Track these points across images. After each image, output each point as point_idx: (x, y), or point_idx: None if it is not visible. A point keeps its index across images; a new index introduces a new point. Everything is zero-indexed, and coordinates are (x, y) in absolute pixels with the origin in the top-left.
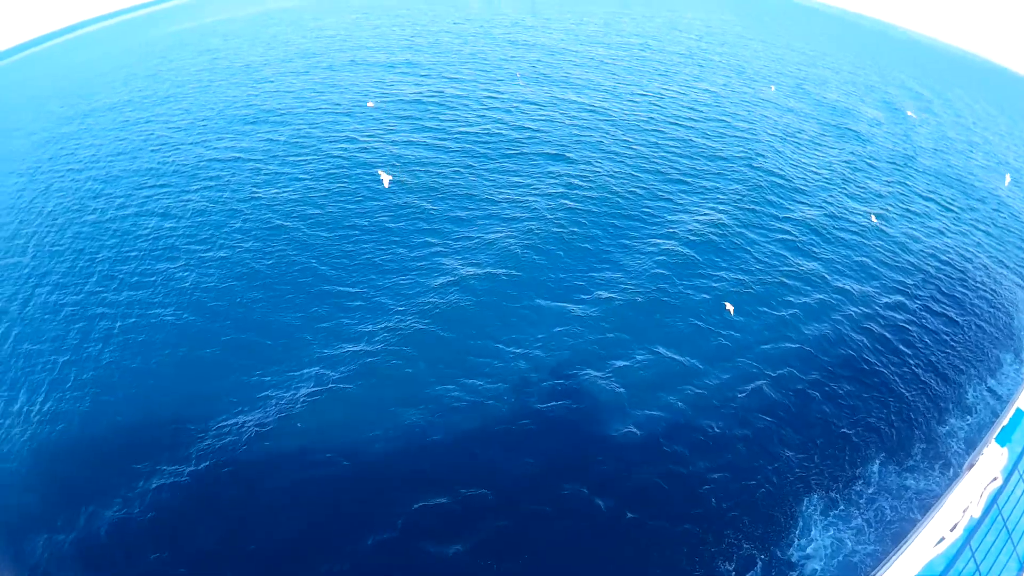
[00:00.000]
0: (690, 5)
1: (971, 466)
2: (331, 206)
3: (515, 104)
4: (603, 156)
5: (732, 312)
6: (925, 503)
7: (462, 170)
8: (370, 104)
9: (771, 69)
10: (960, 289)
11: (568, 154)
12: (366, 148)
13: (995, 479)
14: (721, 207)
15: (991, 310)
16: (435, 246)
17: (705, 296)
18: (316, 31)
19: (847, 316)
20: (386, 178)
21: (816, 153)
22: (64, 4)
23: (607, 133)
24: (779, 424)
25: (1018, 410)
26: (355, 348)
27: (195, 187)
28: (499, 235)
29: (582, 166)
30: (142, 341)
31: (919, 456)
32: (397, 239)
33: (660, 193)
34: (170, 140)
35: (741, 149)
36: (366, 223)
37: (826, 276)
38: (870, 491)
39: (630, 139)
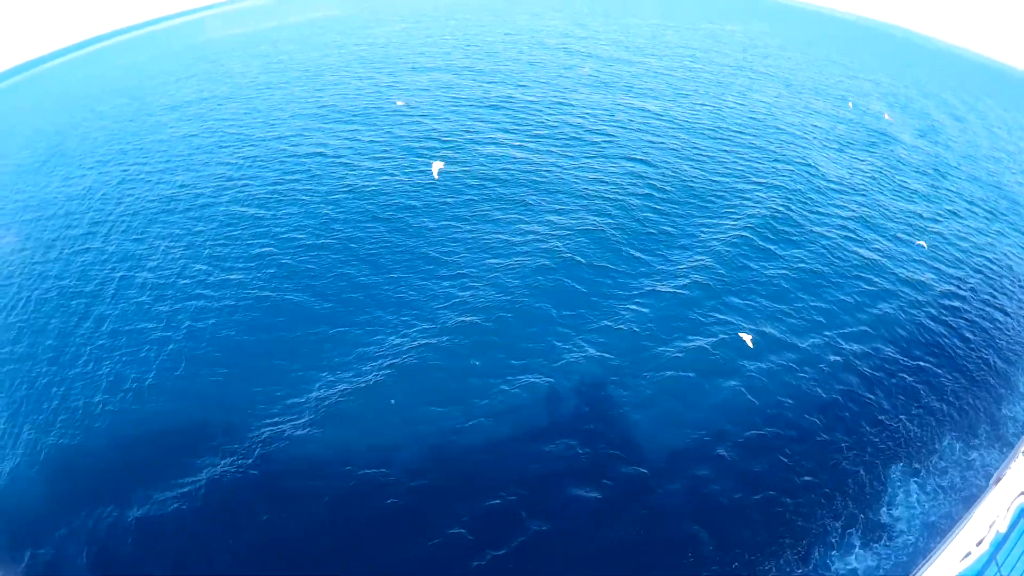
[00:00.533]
0: (727, 18)
1: (998, 480)
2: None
3: (587, 110)
4: (680, 159)
5: None
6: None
7: (552, 167)
8: (399, 103)
9: (815, 81)
10: (1001, 293)
11: (646, 158)
12: (451, 146)
13: (1022, 493)
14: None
15: None
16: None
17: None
18: (368, 39)
19: (900, 307)
20: (436, 166)
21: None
22: (98, 12)
23: (677, 138)
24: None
25: None
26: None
27: (286, 181)
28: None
29: (661, 169)
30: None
31: (983, 436)
32: (499, 231)
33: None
34: (242, 137)
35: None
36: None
37: (888, 269)
38: (943, 464)
39: (700, 144)
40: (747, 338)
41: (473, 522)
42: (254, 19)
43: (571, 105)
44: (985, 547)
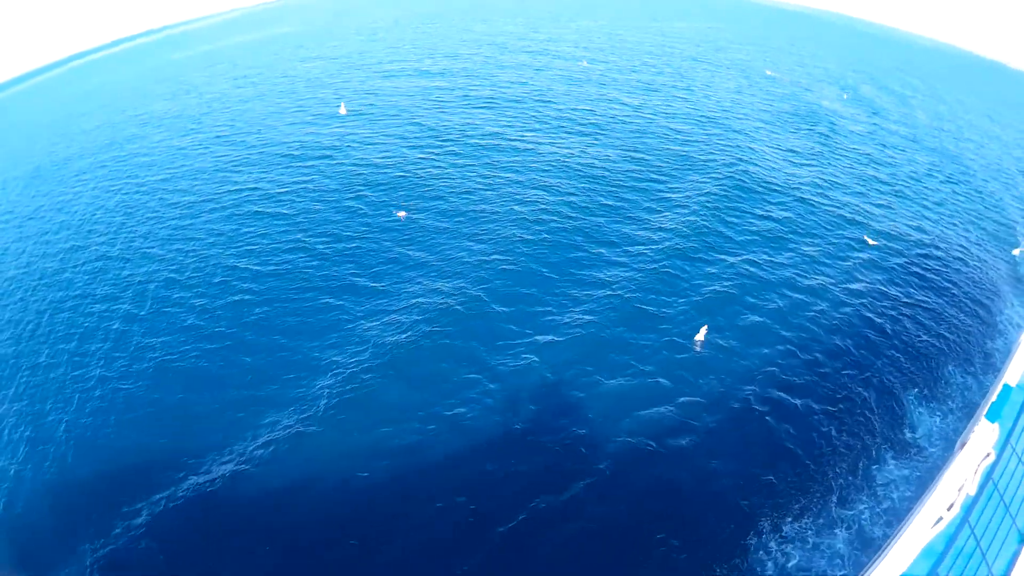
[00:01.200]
0: (674, 16)
1: (963, 444)
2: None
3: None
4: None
5: None
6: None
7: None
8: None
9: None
10: (944, 271)
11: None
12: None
13: (988, 455)
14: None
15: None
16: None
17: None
18: (330, 51)
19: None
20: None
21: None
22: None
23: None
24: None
25: (1005, 385)
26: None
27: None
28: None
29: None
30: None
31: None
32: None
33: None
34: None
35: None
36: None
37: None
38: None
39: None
40: (702, 332)
41: (450, 526)
42: (216, 36)
43: (552, 100)
44: (956, 511)
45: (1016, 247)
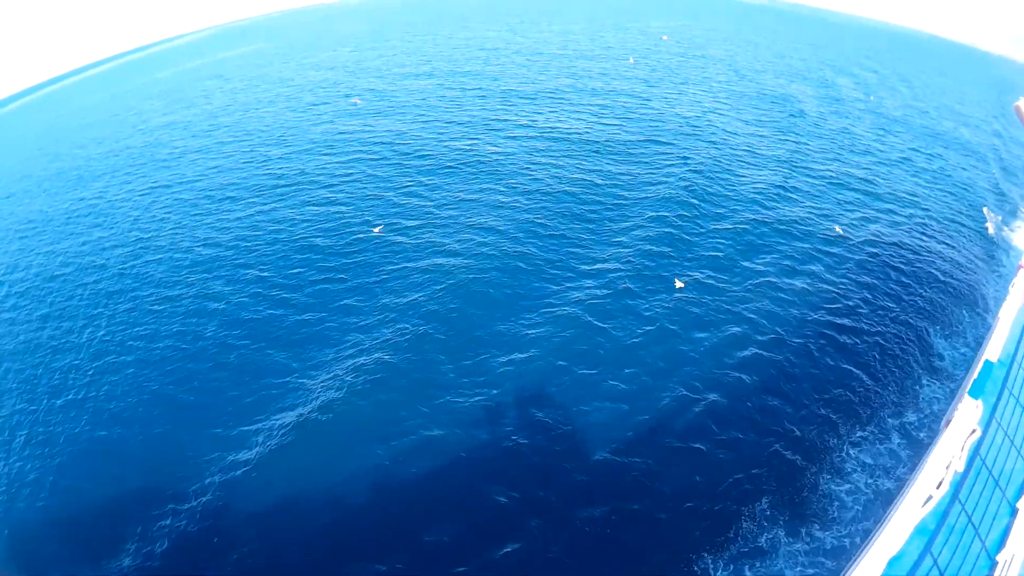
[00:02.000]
0: (655, 15)
1: (948, 422)
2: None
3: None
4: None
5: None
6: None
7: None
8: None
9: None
10: (926, 253)
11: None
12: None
13: (974, 431)
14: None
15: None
16: None
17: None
18: (309, 65)
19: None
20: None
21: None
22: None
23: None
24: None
25: (987, 362)
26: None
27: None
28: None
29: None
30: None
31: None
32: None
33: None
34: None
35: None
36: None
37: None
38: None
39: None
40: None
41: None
42: (197, 54)
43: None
44: (945, 488)
45: (987, 221)
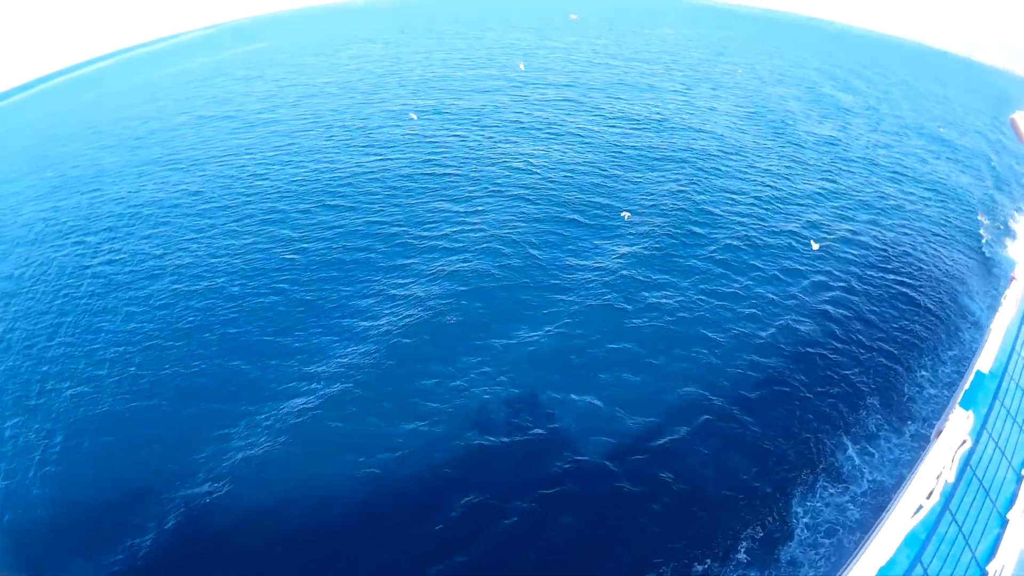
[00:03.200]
0: (668, 23)
1: (939, 433)
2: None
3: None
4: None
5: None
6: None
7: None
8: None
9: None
10: (915, 264)
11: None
12: None
13: (965, 442)
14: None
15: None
16: None
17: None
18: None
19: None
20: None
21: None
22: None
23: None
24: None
25: (978, 372)
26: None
27: None
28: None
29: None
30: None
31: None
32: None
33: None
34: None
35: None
36: None
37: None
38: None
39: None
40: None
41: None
42: (191, 54)
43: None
44: (936, 498)
45: (980, 232)
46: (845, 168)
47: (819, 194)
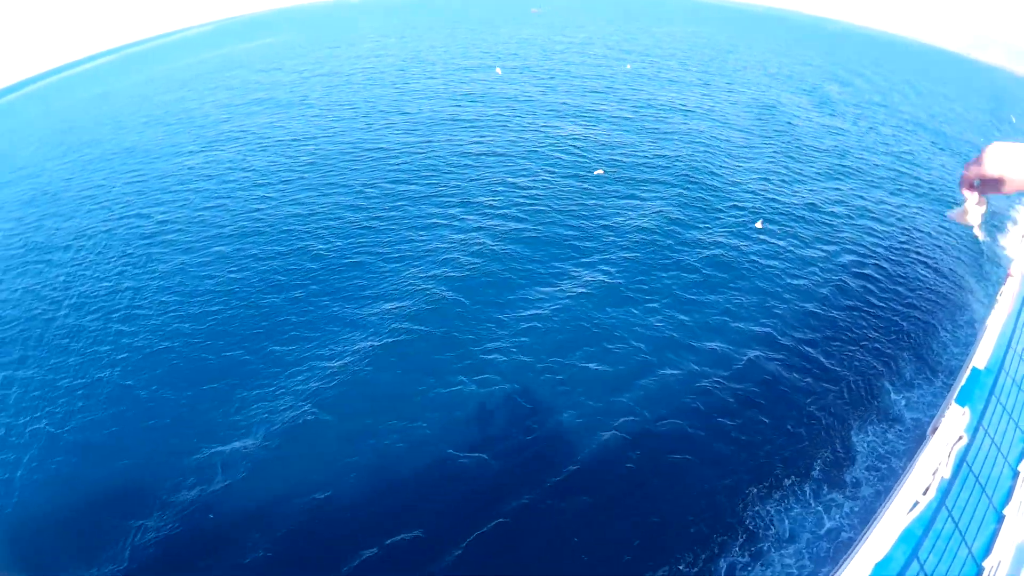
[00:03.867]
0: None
1: (935, 429)
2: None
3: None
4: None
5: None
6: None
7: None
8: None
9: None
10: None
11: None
12: None
13: (961, 438)
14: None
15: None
16: None
17: None
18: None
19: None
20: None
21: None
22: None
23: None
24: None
25: (974, 369)
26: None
27: None
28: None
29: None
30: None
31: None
32: None
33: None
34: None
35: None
36: None
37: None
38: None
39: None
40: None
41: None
42: (192, 50)
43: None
44: (932, 494)
45: (975, 228)
46: (836, 161)
47: (812, 185)
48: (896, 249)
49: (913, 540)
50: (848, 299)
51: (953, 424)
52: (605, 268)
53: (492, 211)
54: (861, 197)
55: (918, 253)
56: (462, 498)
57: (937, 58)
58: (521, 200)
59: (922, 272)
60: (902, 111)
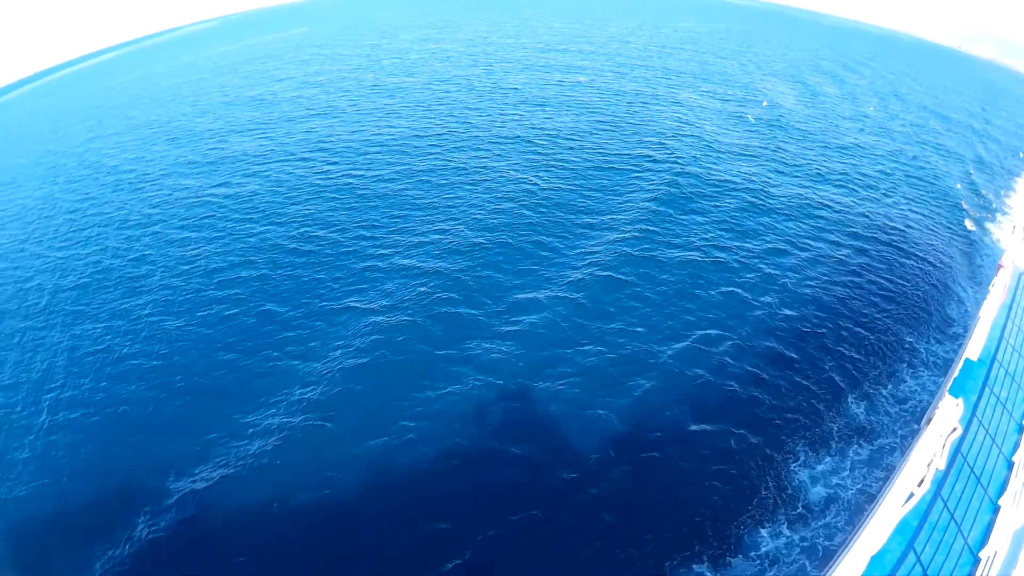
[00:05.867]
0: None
1: (929, 421)
2: None
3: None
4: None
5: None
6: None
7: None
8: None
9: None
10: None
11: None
12: None
13: (955, 429)
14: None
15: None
16: None
17: None
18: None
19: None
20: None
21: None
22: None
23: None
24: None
25: (967, 360)
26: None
27: None
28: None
29: None
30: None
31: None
32: None
33: None
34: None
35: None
36: None
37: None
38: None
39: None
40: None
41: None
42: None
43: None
44: (927, 486)
45: (967, 220)
46: (829, 153)
47: (804, 178)
48: (887, 239)
49: (909, 532)
50: (834, 288)
51: (947, 415)
52: None
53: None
54: (854, 185)
55: (909, 243)
56: (462, 497)
57: (931, 52)
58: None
59: (913, 262)
60: (897, 106)
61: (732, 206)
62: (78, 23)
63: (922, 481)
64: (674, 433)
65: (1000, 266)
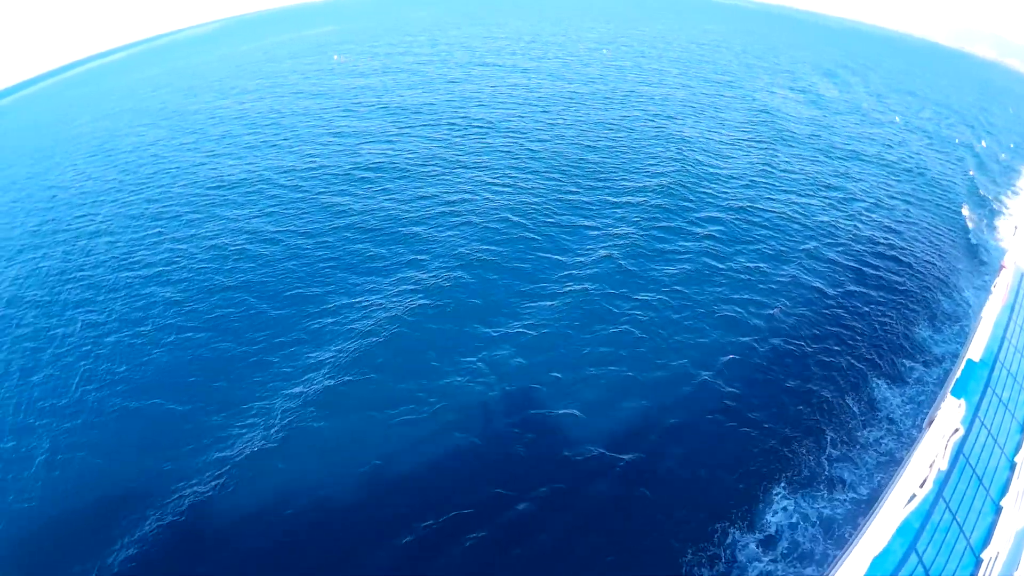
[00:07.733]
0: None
1: (931, 421)
2: None
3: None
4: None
5: None
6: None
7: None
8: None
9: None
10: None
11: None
12: None
13: (957, 430)
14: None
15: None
16: None
17: None
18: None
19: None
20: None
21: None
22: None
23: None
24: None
25: (969, 361)
26: None
27: None
28: None
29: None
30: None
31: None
32: None
33: None
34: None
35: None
36: None
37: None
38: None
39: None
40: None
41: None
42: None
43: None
44: (929, 486)
45: (967, 221)
46: (828, 154)
47: (804, 180)
48: (888, 240)
49: (911, 533)
50: (836, 289)
51: (949, 416)
52: None
53: None
54: (855, 187)
55: (910, 243)
56: (463, 498)
57: (928, 51)
58: None
59: (914, 263)
60: (896, 103)
61: (734, 202)
62: (113, 17)
63: (924, 482)
64: (675, 434)
65: (1002, 266)
